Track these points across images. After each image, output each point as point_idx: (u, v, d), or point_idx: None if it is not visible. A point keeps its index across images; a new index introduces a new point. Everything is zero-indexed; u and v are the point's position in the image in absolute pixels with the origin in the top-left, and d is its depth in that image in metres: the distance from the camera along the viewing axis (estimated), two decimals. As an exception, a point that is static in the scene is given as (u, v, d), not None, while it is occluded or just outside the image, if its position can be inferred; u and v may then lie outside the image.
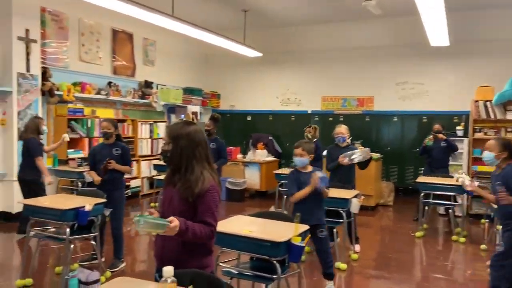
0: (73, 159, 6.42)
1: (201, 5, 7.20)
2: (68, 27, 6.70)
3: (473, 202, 6.66)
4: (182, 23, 5.87)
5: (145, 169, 7.96)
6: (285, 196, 6.14)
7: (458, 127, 7.42)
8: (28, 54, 5.82)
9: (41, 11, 6.12)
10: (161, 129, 8.46)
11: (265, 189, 8.14)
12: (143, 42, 8.31)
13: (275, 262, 2.66)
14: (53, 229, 3.90)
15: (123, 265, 4.23)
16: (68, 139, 5.55)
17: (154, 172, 7.77)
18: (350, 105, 8.80)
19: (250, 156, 8.38)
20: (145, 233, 2.00)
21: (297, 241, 2.65)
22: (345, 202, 4.19)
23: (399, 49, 8.28)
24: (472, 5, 7.02)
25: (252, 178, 8.06)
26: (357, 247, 4.87)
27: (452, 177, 5.73)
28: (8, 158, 5.70)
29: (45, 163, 5.50)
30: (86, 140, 6.75)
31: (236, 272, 2.94)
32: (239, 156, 8.45)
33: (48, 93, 6.20)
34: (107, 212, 3.98)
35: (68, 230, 3.48)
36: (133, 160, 7.57)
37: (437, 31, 6.01)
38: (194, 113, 9.19)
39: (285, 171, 6.55)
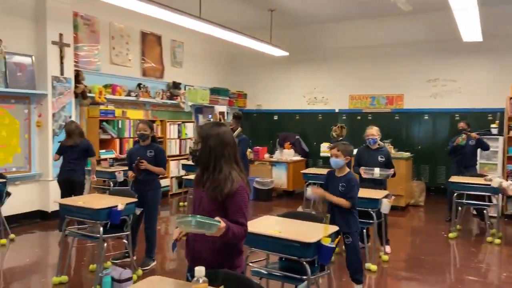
0: (105, 159, 6.59)
1: (227, 5, 7.25)
2: (99, 30, 6.89)
3: (508, 203, 6.43)
4: (209, 24, 5.93)
5: (174, 168, 8.08)
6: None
7: (492, 125, 7.18)
8: (62, 58, 6.01)
9: (74, 15, 6.32)
10: (189, 129, 8.57)
11: (292, 188, 8.11)
12: (171, 44, 8.44)
13: (304, 263, 2.65)
14: (87, 228, 4.03)
15: (154, 263, 4.31)
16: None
17: (182, 172, 7.88)
18: (379, 103, 8.65)
19: (277, 155, 8.37)
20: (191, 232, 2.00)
21: (327, 242, 2.63)
22: (375, 202, 4.13)
23: (429, 45, 8.08)
24: (506, -1, 6.78)
25: (279, 178, 8.05)
26: (388, 249, 4.78)
27: (481, 175, 5.56)
28: (44, 159, 5.91)
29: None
30: (117, 141, 6.92)
31: (266, 273, 2.94)
32: (266, 155, 8.45)
33: (81, 96, 6.39)
34: (138, 211, 4.06)
35: (101, 229, 3.58)
36: (163, 160, 7.72)
37: (469, 26, 5.82)
38: (221, 113, 9.25)
39: (313, 170, 6.51)
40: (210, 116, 9.07)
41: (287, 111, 9.57)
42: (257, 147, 8.50)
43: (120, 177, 5.76)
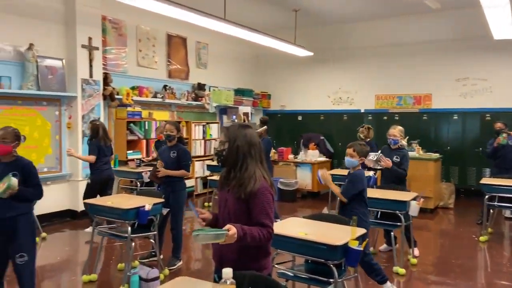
0: (132, 160, 6.71)
1: (252, 7, 7.27)
2: (127, 34, 7.03)
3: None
4: (234, 25, 5.96)
5: (199, 169, 8.15)
6: (338, 198, 6.02)
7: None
8: (91, 61, 6.16)
9: (102, 19, 6.46)
10: (213, 130, 8.63)
11: (317, 190, 8.05)
12: (196, 45, 8.53)
13: (331, 265, 2.62)
14: (116, 227, 4.12)
15: (180, 263, 4.36)
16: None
17: (207, 173, 7.94)
18: (406, 103, 8.48)
19: (301, 156, 8.32)
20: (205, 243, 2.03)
21: (355, 245, 2.59)
22: (403, 204, 4.04)
23: (459, 43, 7.86)
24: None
25: (304, 179, 8.00)
26: (416, 252, 4.68)
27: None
28: (74, 160, 6.05)
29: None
30: (144, 142, 7.04)
31: (292, 275, 2.93)
32: (291, 156, 8.41)
33: (109, 97, 6.53)
34: (165, 211, 4.12)
35: (129, 228, 3.65)
36: (188, 161, 7.81)
37: (501, 23, 5.63)
38: (245, 114, 9.27)
39: (338, 171, 6.43)
40: (234, 117, 9.10)
41: (312, 112, 9.50)
42: (281, 147, 8.48)
43: (147, 178, 5.85)
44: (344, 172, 6.06)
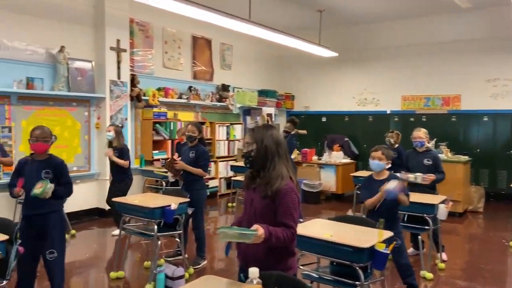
0: (157, 159, 6.82)
1: (276, 7, 7.28)
2: (153, 36, 7.15)
3: None
4: (258, 27, 5.97)
5: (223, 169, 8.21)
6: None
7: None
8: (119, 62, 6.30)
9: (130, 22, 6.60)
10: (237, 131, 8.67)
11: (342, 191, 7.97)
12: (220, 47, 8.59)
13: (357, 268, 2.59)
14: (142, 226, 4.19)
15: (204, 262, 4.40)
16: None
17: (231, 173, 7.99)
18: (434, 104, 8.29)
19: (325, 158, 8.25)
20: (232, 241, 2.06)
21: (381, 248, 2.56)
22: (432, 208, 3.96)
23: (489, 43, 7.64)
24: None
25: (328, 180, 7.93)
26: (444, 256, 4.57)
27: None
28: (102, 159, 6.20)
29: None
30: (169, 142, 7.14)
31: (317, 276, 2.91)
32: (314, 157, 8.36)
33: (136, 99, 6.66)
34: (190, 211, 4.17)
35: (156, 227, 3.71)
36: (211, 161, 7.88)
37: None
38: (269, 115, 9.28)
39: (363, 173, 6.36)
40: (258, 118, 9.13)
41: (336, 113, 9.42)
42: (305, 149, 8.44)
43: (172, 178, 5.92)
44: (369, 174, 6.01)
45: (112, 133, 5.27)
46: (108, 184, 6.07)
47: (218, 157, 8.15)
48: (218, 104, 8.31)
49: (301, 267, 2.94)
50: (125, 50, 6.39)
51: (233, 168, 7.77)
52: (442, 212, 4.02)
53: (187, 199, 4.00)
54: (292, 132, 6.79)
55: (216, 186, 8.02)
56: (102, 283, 3.99)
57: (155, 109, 6.91)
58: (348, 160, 8.35)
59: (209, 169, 5.96)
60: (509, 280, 4.20)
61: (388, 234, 2.75)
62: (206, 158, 4.43)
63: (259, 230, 1.91)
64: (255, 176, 2.17)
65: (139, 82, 6.73)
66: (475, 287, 3.95)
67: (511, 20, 5.82)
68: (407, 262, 3.53)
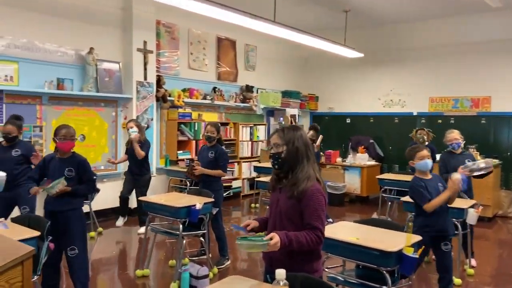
0: (182, 159, 6.90)
1: (301, 8, 7.24)
2: (179, 37, 7.24)
3: None
4: (283, 27, 5.96)
5: (246, 170, 8.22)
6: (389, 203, 5.87)
7: None
8: (145, 64, 6.41)
9: (157, 23, 6.70)
10: (260, 132, 8.68)
11: (366, 194, 7.86)
12: (245, 48, 8.62)
13: (385, 272, 2.55)
14: (167, 225, 4.24)
15: (228, 262, 4.42)
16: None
17: (254, 174, 7.99)
18: (462, 106, 8.08)
19: (350, 159, 8.16)
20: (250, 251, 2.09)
21: (410, 252, 2.51)
22: (461, 212, 3.86)
23: (521, 43, 7.39)
24: None
25: (352, 183, 7.84)
26: (473, 262, 4.45)
27: None
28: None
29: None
30: (193, 142, 7.20)
31: (342, 279, 2.88)
32: (338, 159, 8.28)
33: (161, 99, 6.76)
34: (215, 211, 4.20)
35: (181, 226, 3.75)
36: (235, 162, 7.92)
37: None
38: (292, 116, 9.25)
39: (389, 176, 6.26)
40: (281, 119, 9.11)
41: (361, 114, 9.30)
42: (329, 150, 8.37)
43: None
44: (397, 177, 5.93)
45: (136, 129, 5.41)
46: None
47: (241, 158, 8.18)
48: (242, 105, 8.34)
49: (326, 269, 2.92)
50: (151, 52, 6.49)
51: (256, 168, 7.78)
52: (472, 217, 3.91)
53: (212, 199, 4.03)
54: (317, 144, 6.69)
55: (239, 187, 8.05)
56: (128, 281, 4.06)
57: (180, 110, 6.99)
58: (373, 162, 8.23)
59: (228, 169, 6.02)
60: (542, 289, 4.05)
61: (416, 238, 2.70)
62: (226, 159, 4.49)
63: (274, 238, 1.91)
64: (281, 178, 2.16)
65: (165, 83, 6.83)
66: (506, 295, 3.83)
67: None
68: (450, 267, 3.37)
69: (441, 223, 3.26)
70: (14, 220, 3.11)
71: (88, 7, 5.89)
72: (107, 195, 5.95)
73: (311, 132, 6.87)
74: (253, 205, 7.47)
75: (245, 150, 8.32)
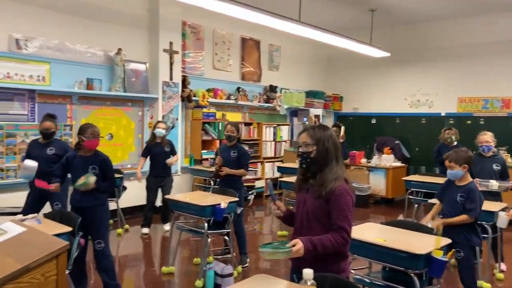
0: (206, 159, 6.96)
1: (327, 8, 7.19)
2: (204, 38, 7.31)
3: None
4: (309, 27, 5.93)
5: (269, 170, 8.23)
6: (416, 205, 5.76)
7: None
8: (171, 64, 6.51)
9: (182, 24, 6.79)
10: (284, 132, 8.67)
11: (392, 196, 7.73)
12: (269, 48, 8.63)
13: (413, 275, 2.50)
14: (191, 223, 4.29)
15: (248, 260, 4.43)
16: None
17: (277, 174, 7.98)
18: (493, 106, 7.84)
19: (375, 160, 8.04)
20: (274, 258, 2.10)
21: (439, 255, 2.45)
22: (491, 215, 3.75)
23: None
24: None
25: (377, 184, 7.73)
26: (503, 266, 4.32)
27: None
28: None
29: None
30: (217, 142, 7.26)
31: (368, 281, 2.85)
32: (363, 160, 8.18)
33: (186, 99, 6.84)
34: (239, 210, 4.22)
35: (206, 224, 3.78)
36: (258, 162, 7.93)
37: None
38: (316, 116, 9.20)
39: (416, 178, 6.13)
40: (305, 119, 9.06)
41: (386, 114, 9.16)
42: (353, 151, 8.27)
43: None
44: (423, 179, 5.82)
45: (164, 131, 5.49)
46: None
47: (264, 158, 8.19)
48: (266, 105, 8.34)
49: (352, 271, 2.89)
50: (177, 52, 6.58)
51: (280, 169, 7.77)
52: (502, 220, 3.80)
53: (236, 199, 4.05)
54: (341, 134, 6.72)
55: (262, 187, 8.05)
56: (154, 277, 4.13)
57: (204, 110, 7.06)
58: (399, 164, 8.08)
59: (250, 169, 6.03)
60: None
61: (446, 241, 2.64)
62: (248, 158, 4.57)
63: (297, 244, 1.90)
64: (308, 178, 2.15)
65: (190, 83, 6.91)
66: (539, 302, 3.70)
67: None
68: (467, 277, 3.28)
69: (447, 230, 3.12)
70: (47, 216, 3.22)
71: (117, 9, 6.02)
72: (133, 193, 6.05)
73: (334, 129, 6.82)
74: (276, 205, 7.45)
75: (268, 150, 8.33)
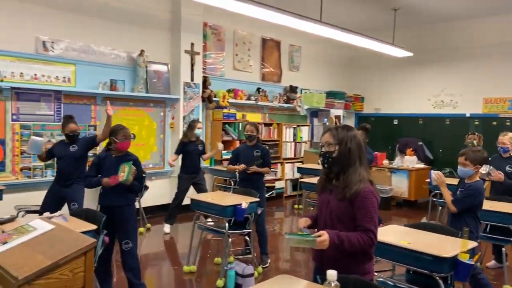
0: (226, 159, 6.98)
1: (348, 7, 7.13)
2: (225, 39, 7.35)
3: None
4: (330, 27, 5.89)
5: (289, 171, 8.21)
6: (440, 208, 5.65)
7: None
8: (192, 65, 6.57)
9: (203, 26, 6.84)
10: (304, 133, 8.63)
11: (414, 198, 7.60)
12: (289, 48, 8.61)
13: (438, 278, 2.45)
14: (212, 223, 4.32)
15: (268, 260, 4.42)
16: (222, 148, 6.11)
17: (297, 175, 7.96)
18: (520, 107, 7.63)
19: (397, 162, 7.92)
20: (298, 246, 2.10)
21: (465, 259, 2.40)
22: (515, 218, 3.65)
23: None
24: None
25: (399, 186, 7.61)
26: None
27: None
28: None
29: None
30: (237, 142, 7.28)
31: (392, 284, 2.80)
32: (385, 162, 8.06)
33: (207, 100, 6.89)
34: (260, 210, 4.22)
35: (227, 224, 3.80)
36: (278, 162, 7.93)
37: None
38: (337, 117, 9.11)
39: (440, 179, 6.00)
40: (325, 119, 9.01)
41: (409, 115, 9.01)
42: (375, 152, 8.16)
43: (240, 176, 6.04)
44: (447, 180, 5.67)
45: (200, 130, 5.73)
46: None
47: (284, 159, 8.17)
48: (286, 105, 8.33)
49: (375, 273, 2.85)
50: (198, 53, 6.63)
51: (300, 169, 7.74)
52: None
53: (257, 199, 4.06)
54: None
55: (282, 188, 8.04)
56: (176, 276, 4.17)
57: (224, 110, 7.09)
58: (421, 165, 7.94)
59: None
60: None
61: (472, 244, 2.58)
62: (270, 157, 4.64)
63: (323, 235, 1.90)
64: (331, 178, 2.13)
65: (211, 84, 6.95)
66: None
67: None
68: (475, 274, 3.18)
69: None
70: (72, 214, 3.28)
71: (139, 12, 6.11)
72: (155, 192, 6.15)
73: (360, 132, 6.74)
74: (296, 206, 7.44)
75: (288, 151, 8.31)
